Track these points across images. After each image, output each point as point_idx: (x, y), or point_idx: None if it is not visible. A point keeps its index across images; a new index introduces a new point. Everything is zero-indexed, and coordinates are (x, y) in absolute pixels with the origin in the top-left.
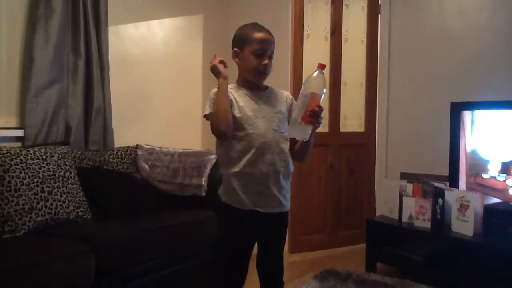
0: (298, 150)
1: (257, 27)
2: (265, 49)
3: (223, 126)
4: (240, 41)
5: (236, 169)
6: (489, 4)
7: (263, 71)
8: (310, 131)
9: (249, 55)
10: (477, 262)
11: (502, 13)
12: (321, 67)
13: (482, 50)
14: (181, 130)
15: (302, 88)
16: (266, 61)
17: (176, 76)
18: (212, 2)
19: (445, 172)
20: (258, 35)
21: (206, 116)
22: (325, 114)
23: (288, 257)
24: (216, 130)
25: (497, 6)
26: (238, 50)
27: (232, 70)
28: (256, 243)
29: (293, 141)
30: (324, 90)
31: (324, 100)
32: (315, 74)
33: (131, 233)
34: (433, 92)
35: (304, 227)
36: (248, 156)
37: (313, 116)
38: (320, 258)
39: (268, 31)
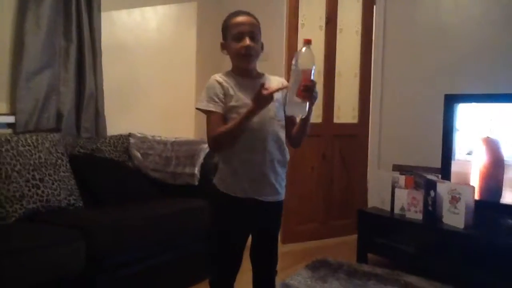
0: (295, 133)
1: (235, 13)
2: (242, 31)
3: (229, 147)
4: (223, 31)
5: (233, 157)
6: None
7: (246, 53)
8: (307, 107)
9: (231, 42)
10: (468, 254)
11: (497, 6)
12: (308, 42)
13: (476, 43)
14: (174, 118)
15: (293, 65)
16: (246, 43)
17: (170, 64)
18: None
19: (438, 164)
20: (235, 20)
21: (202, 111)
22: (318, 105)
23: (281, 247)
24: (219, 149)
25: (490, 0)
26: (223, 41)
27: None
28: (251, 232)
29: (289, 126)
30: (314, 66)
31: (318, 91)
32: (303, 50)
33: (122, 221)
34: (427, 84)
35: (296, 217)
36: (246, 144)
37: (307, 91)
38: (312, 248)
39: (247, 14)
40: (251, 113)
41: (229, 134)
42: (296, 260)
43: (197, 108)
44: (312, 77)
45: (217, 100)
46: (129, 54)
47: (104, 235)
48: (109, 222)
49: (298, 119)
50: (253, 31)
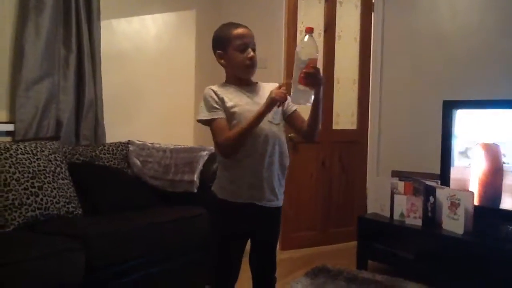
0: (307, 126)
1: (233, 24)
2: (246, 42)
3: (237, 151)
4: (221, 42)
5: (233, 162)
6: (480, 4)
7: (251, 64)
8: (312, 95)
9: (234, 53)
10: (468, 260)
11: (493, 13)
12: (310, 30)
13: (474, 49)
14: (173, 126)
15: (297, 54)
16: (251, 54)
17: (169, 72)
18: None
19: (437, 170)
20: (237, 31)
21: (204, 121)
22: None
23: (280, 254)
24: (234, 152)
25: (488, 7)
26: (221, 51)
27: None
28: (249, 238)
29: (298, 124)
30: (317, 53)
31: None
32: (305, 39)
33: (121, 230)
34: (425, 90)
35: (295, 224)
36: (246, 149)
37: (309, 77)
38: (311, 255)
39: (245, 26)
40: (263, 115)
41: (241, 136)
42: (296, 267)
43: (198, 120)
44: (316, 64)
45: (217, 106)
46: (128, 62)
47: (103, 244)
48: (109, 230)
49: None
50: (254, 43)
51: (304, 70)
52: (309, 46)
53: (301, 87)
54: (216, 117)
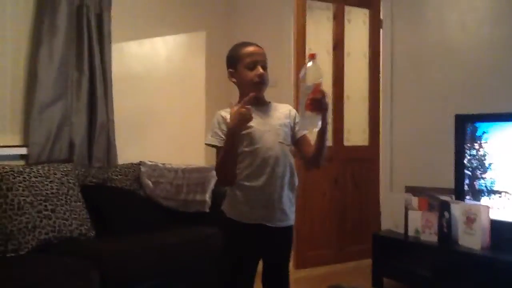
0: (313, 152)
1: (244, 43)
2: (256, 60)
3: (232, 178)
4: (232, 60)
5: (243, 182)
6: (490, 18)
7: (260, 81)
8: (319, 120)
9: (243, 70)
10: (486, 276)
11: (504, 27)
12: (312, 56)
13: (484, 63)
14: (184, 146)
15: (301, 81)
16: (260, 71)
17: (179, 93)
18: (215, 19)
19: (451, 185)
20: (247, 49)
21: (211, 146)
22: (328, 129)
23: (294, 273)
24: (225, 181)
25: (498, 20)
26: (232, 70)
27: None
28: (261, 258)
29: (305, 149)
30: (321, 78)
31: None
32: (309, 65)
33: (134, 251)
34: (436, 105)
35: (309, 243)
36: (256, 169)
37: (314, 103)
38: (326, 274)
39: (256, 45)
40: (230, 132)
41: (222, 163)
42: (310, 286)
43: (206, 144)
44: (320, 90)
45: (221, 134)
46: (139, 83)
47: (117, 265)
48: (122, 252)
49: (314, 135)
50: (265, 60)
51: (310, 96)
52: (313, 72)
53: (308, 113)
54: (217, 144)
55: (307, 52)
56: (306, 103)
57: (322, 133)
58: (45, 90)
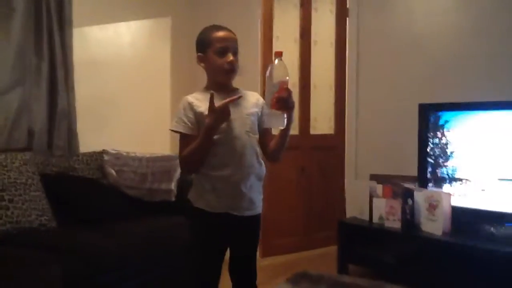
0: (274, 146)
1: (215, 27)
2: (227, 46)
3: (196, 169)
4: (202, 44)
5: (210, 172)
6: (455, 6)
7: (230, 69)
8: (285, 118)
9: (213, 56)
10: (447, 261)
11: (468, 16)
12: (279, 54)
13: (449, 51)
14: (149, 134)
15: (267, 79)
16: (230, 58)
17: (144, 79)
18: (180, 4)
19: (414, 173)
20: (218, 34)
21: (176, 132)
22: (295, 117)
23: (260, 261)
24: (189, 170)
25: (463, 8)
26: (201, 54)
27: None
28: (229, 247)
29: (266, 141)
30: (287, 77)
31: (294, 101)
32: (275, 63)
33: (98, 241)
34: (402, 94)
35: (276, 230)
36: (222, 159)
37: (280, 101)
38: (292, 261)
39: (228, 29)
40: (209, 129)
41: (193, 155)
42: (276, 273)
43: (170, 130)
44: (286, 88)
45: (186, 121)
46: (102, 70)
47: (80, 257)
48: (84, 242)
49: (277, 131)
50: (236, 46)
51: (276, 95)
52: (280, 70)
53: (274, 111)
54: (182, 131)
55: (274, 39)
56: (272, 101)
57: (285, 131)
58: (2, 76)
